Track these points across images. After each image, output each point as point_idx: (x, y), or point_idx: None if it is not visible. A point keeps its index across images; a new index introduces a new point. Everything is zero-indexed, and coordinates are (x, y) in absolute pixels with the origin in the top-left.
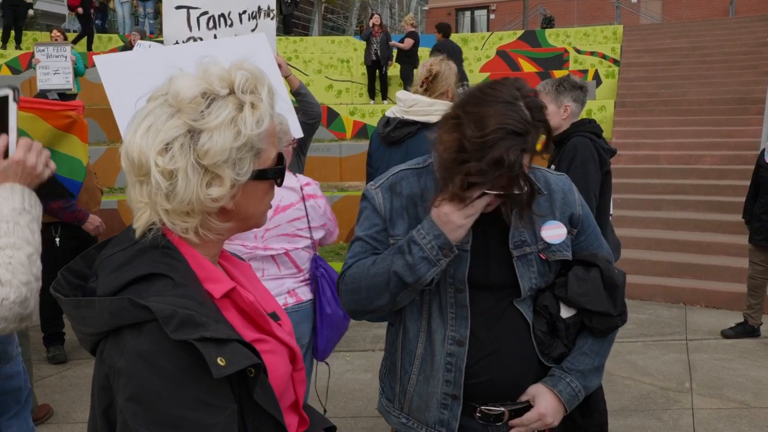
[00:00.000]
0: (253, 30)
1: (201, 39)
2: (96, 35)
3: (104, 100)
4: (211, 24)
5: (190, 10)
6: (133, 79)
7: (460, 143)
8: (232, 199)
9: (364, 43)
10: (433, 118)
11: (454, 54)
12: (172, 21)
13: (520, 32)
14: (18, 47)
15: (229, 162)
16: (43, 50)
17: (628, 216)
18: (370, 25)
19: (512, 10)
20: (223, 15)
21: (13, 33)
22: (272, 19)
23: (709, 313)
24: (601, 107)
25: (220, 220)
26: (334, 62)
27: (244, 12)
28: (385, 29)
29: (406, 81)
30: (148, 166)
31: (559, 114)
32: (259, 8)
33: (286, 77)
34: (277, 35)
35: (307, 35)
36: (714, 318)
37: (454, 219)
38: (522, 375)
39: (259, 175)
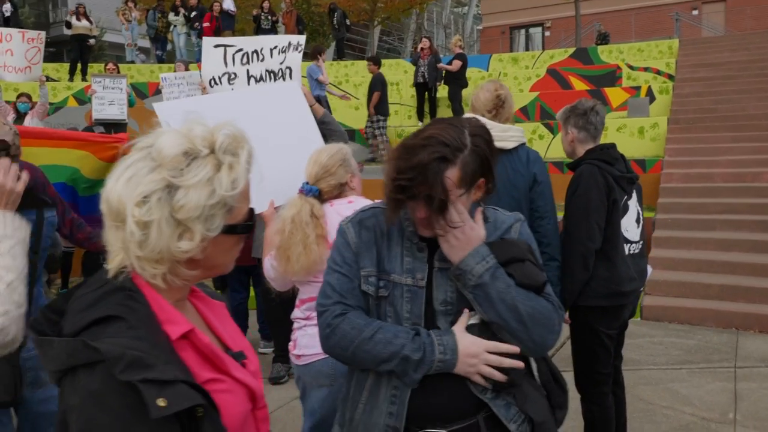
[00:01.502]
0: (281, 63)
1: (235, 74)
2: (157, 65)
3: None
4: (244, 60)
5: (227, 48)
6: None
7: (399, 152)
8: (201, 251)
9: (414, 66)
10: (509, 144)
11: (383, 85)
12: (210, 58)
13: (571, 50)
14: (84, 79)
15: (201, 218)
16: (100, 81)
17: (680, 237)
18: (419, 48)
19: (567, 26)
20: (256, 51)
21: (79, 66)
22: (299, 52)
23: (763, 339)
24: (653, 124)
25: (188, 268)
26: None
27: (275, 47)
28: (434, 51)
29: (454, 102)
30: (125, 215)
31: (566, 141)
32: (289, 43)
33: (310, 106)
34: (334, 59)
35: (363, 58)
36: (767, 344)
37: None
38: (456, 401)
39: (229, 230)
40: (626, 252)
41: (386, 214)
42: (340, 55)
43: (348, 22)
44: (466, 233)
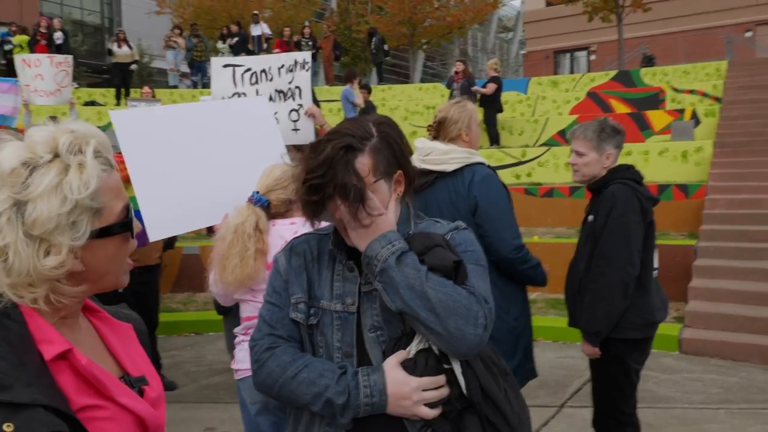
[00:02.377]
0: (290, 82)
1: (244, 94)
2: (199, 90)
3: None
4: (253, 79)
5: (236, 68)
6: (147, 135)
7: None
8: (77, 260)
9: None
10: (450, 167)
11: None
12: (220, 79)
13: (613, 72)
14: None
15: (60, 228)
16: (136, 105)
17: (724, 266)
18: (453, 72)
19: (613, 50)
20: (264, 70)
21: (123, 91)
22: (307, 71)
23: None
24: (698, 148)
25: (71, 284)
26: (420, 109)
27: (282, 66)
28: (468, 75)
29: (489, 126)
30: None
31: (601, 162)
32: (296, 62)
33: (320, 126)
34: (378, 83)
35: (407, 83)
36: None
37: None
38: None
39: (103, 233)
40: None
41: (306, 217)
42: (380, 80)
43: (386, 47)
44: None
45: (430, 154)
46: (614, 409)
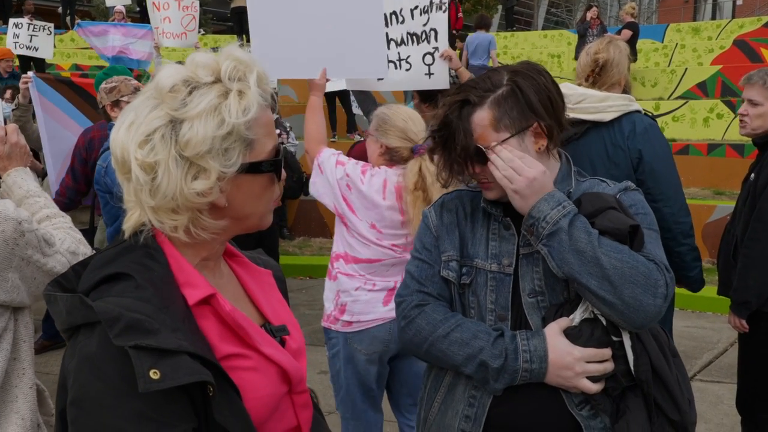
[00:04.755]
0: (424, 24)
1: None
2: None
3: None
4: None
5: None
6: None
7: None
8: (222, 194)
9: (577, 37)
10: (607, 116)
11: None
12: None
13: (766, 18)
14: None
15: (213, 152)
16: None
17: None
18: (588, 18)
19: None
20: (394, 12)
21: (245, 37)
22: (444, 12)
23: None
24: None
25: (213, 218)
26: (545, 57)
27: (416, 7)
28: (601, 21)
29: None
30: (130, 162)
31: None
32: (431, 2)
33: (456, 70)
34: (499, 31)
35: (529, 30)
36: None
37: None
38: (547, 414)
39: (252, 168)
40: None
41: (438, 173)
42: (509, 25)
43: None
44: (538, 178)
45: (582, 102)
46: (765, 392)
